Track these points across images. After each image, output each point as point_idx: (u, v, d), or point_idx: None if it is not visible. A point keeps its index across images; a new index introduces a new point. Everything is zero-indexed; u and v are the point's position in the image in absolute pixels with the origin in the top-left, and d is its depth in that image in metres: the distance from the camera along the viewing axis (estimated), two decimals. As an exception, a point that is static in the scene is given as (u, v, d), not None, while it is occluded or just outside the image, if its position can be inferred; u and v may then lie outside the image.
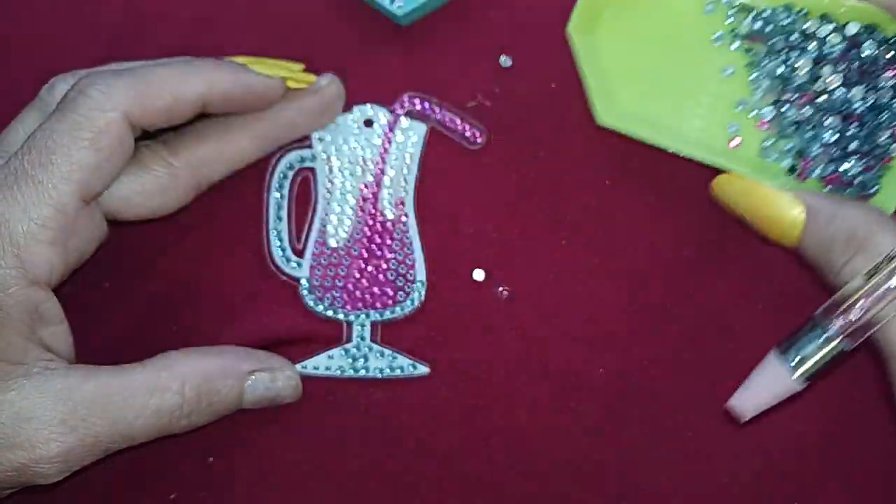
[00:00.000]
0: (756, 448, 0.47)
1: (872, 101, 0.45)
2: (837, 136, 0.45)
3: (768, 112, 0.46)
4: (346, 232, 0.49)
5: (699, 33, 0.47)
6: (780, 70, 0.46)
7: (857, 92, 0.44)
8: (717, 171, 0.45)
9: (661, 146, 0.45)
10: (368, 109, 0.49)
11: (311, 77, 0.47)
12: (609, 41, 0.47)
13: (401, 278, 0.48)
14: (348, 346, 0.48)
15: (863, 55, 0.45)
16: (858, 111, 0.45)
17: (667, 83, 0.47)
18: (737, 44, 0.47)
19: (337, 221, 0.49)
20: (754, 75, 0.46)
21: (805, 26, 0.45)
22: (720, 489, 0.47)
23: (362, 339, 0.48)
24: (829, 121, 0.45)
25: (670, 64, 0.47)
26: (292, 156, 0.49)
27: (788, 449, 0.47)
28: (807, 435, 0.47)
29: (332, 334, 0.48)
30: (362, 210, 0.49)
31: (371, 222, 0.49)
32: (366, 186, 0.49)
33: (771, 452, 0.47)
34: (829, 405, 0.47)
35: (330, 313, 0.48)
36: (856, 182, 0.45)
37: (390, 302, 0.48)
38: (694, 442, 0.47)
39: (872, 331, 0.39)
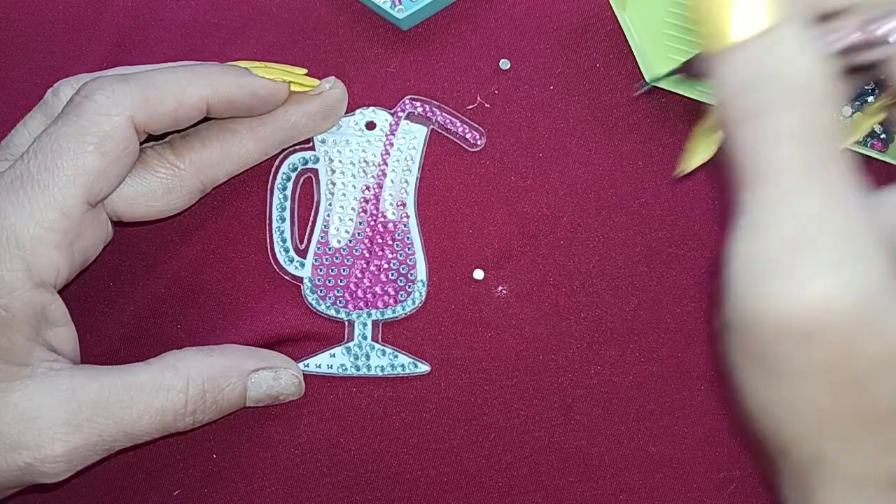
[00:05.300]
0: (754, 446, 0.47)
1: None
2: None
3: None
4: (349, 232, 0.49)
5: None
6: None
7: None
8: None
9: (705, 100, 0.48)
10: (370, 112, 0.49)
11: (314, 81, 0.47)
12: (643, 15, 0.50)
13: (402, 278, 0.49)
14: (350, 344, 0.48)
15: None
16: None
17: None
18: None
19: (339, 222, 0.49)
20: None
21: None
22: (717, 485, 0.47)
23: (364, 337, 0.48)
24: None
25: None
26: (295, 157, 0.49)
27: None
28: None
29: (334, 333, 0.49)
30: (364, 211, 0.49)
31: (373, 223, 0.49)
32: (368, 188, 0.49)
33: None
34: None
35: (332, 312, 0.49)
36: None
37: (392, 301, 0.49)
38: (691, 439, 0.48)
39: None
